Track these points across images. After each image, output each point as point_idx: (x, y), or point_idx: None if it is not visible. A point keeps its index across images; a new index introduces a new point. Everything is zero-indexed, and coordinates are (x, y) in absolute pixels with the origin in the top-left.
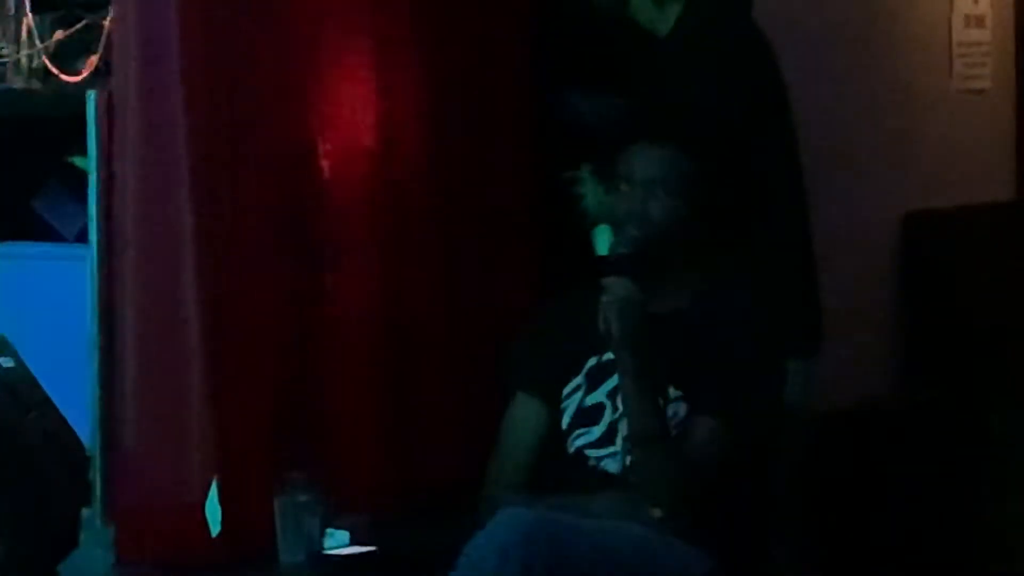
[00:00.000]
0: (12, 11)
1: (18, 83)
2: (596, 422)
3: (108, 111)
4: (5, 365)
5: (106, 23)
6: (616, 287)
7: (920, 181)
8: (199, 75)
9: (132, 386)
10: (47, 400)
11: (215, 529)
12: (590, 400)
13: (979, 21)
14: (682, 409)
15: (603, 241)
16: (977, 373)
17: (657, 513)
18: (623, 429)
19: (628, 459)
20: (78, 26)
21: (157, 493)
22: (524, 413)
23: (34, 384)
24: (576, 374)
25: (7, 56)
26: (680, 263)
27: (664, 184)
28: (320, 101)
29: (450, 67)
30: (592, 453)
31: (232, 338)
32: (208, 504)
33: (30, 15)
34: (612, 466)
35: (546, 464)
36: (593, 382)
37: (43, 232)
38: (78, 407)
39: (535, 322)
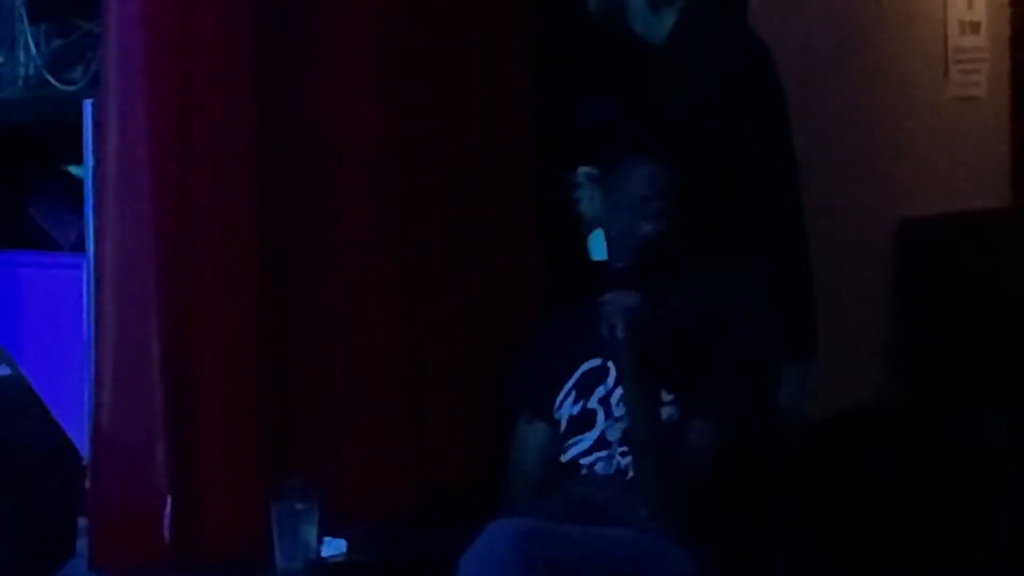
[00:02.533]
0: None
1: (15, 91)
2: (588, 429)
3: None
4: (1, 373)
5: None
6: (621, 299)
7: (916, 188)
8: (169, 84)
9: (109, 392)
10: (43, 408)
11: (167, 536)
12: (581, 407)
13: (974, 28)
14: (674, 413)
15: (599, 246)
16: (973, 379)
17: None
18: (614, 434)
19: (620, 462)
20: (75, 35)
21: (135, 500)
22: (529, 436)
23: (30, 392)
24: (568, 382)
25: (4, 64)
26: (676, 269)
27: (661, 196)
28: (311, 106)
29: (451, 72)
30: (584, 461)
31: (223, 345)
32: (164, 512)
33: (27, 23)
34: (602, 469)
35: (541, 472)
36: (584, 389)
37: (39, 240)
38: (74, 415)
39: (532, 341)
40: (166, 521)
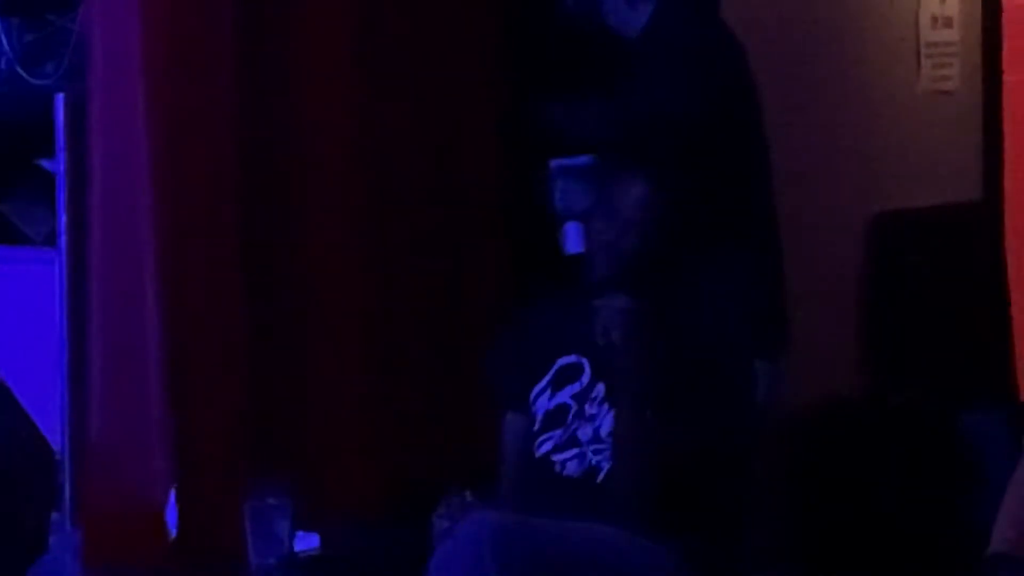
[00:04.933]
0: None
1: None
2: (560, 425)
3: (77, 113)
4: None
5: (74, 26)
6: (616, 302)
7: (888, 182)
8: (164, 75)
9: (98, 390)
10: (15, 403)
11: (172, 532)
12: (554, 402)
13: (947, 22)
14: (650, 414)
15: (571, 239)
16: (947, 373)
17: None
18: (585, 434)
19: (592, 460)
20: (47, 29)
21: (125, 497)
22: (507, 428)
23: (2, 387)
24: (544, 376)
25: None
26: (652, 268)
27: (636, 192)
28: (291, 101)
29: (422, 68)
30: (556, 457)
31: (201, 342)
32: (168, 508)
33: None
34: (574, 468)
35: (512, 465)
36: (558, 385)
37: (11, 235)
38: (48, 411)
39: (511, 332)
40: (168, 519)
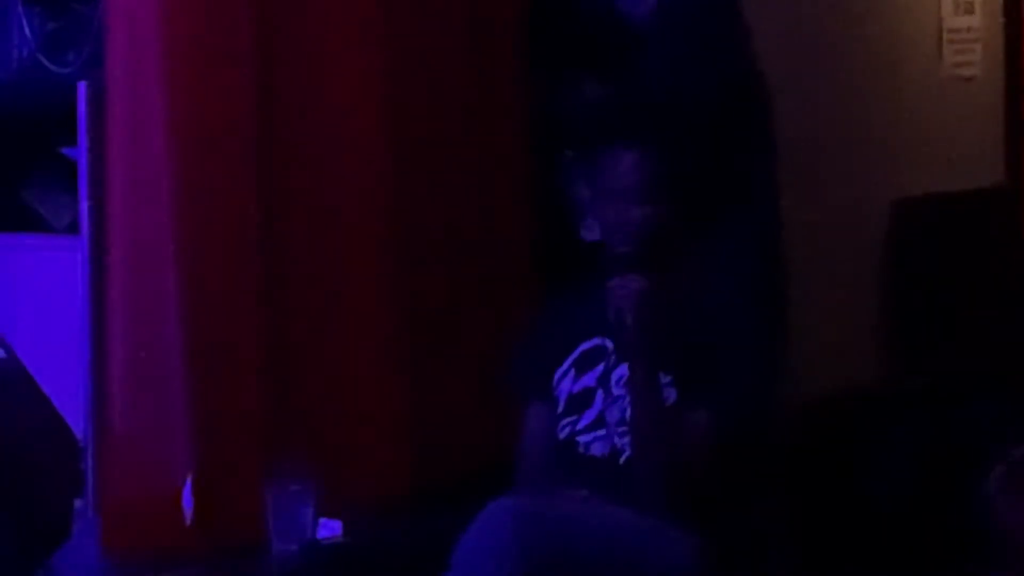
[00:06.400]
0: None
1: (8, 74)
2: (586, 407)
3: (98, 101)
4: None
5: (96, 14)
6: (628, 282)
7: (909, 167)
8: (187, 65)
9: (121, 376)
10: (38, 391)
11: (188, 519)
12: (579, 385)
13: (968, 7)
14: (671, 395)
15: (592, 226)
16: (964, 361)
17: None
18: (613, 415)
19: (617, 442)
20: (69, 17)
21: (148, 483)
22: (531, 417)
23: (25, 375)
24: (566, 361)
25: None
26: (669, 253)
27: (649, 178)
28: (311, 91)
29: (442, 54)
30: (581, 439)
31: (223, 328)
32: (184, 494)
33: (21, 5)
34: (599, 448)
35: (536, 450)
36: (583, 367)
37: (33, 223)
38: (70, 398)
39: (531, 323)
40: (185, 504)
